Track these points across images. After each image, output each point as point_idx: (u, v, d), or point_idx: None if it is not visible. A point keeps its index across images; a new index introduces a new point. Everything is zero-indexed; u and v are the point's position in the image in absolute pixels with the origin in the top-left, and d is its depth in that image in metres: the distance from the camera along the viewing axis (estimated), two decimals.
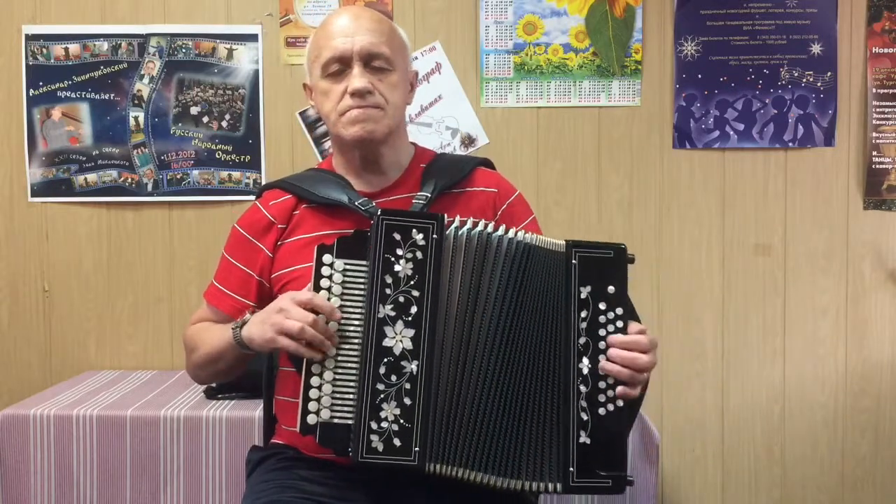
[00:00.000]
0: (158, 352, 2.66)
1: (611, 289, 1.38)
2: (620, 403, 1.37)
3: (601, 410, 1.36)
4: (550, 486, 1.35)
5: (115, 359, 2.66)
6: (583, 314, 1.37)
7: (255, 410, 2.12)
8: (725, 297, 2.67)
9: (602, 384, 1.37)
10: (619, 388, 1.36)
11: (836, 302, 2.67)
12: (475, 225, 1.39)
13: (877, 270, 2.67)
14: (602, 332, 1.37)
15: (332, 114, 1.52)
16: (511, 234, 1.39)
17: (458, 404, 1.35)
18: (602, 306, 1.38)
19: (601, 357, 1.37)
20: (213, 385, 2.25)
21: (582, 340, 1.37)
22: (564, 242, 1.40)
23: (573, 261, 1.38)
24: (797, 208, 2.67)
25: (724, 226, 2.67)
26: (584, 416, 1.36)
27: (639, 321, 1.42)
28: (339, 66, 1.50)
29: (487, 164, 1.68)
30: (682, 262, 2.67)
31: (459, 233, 1.38)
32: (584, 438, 1.35)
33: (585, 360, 1.37)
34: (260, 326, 1.39)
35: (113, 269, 2.65)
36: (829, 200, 2.66)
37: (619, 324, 1.38)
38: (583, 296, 1.38)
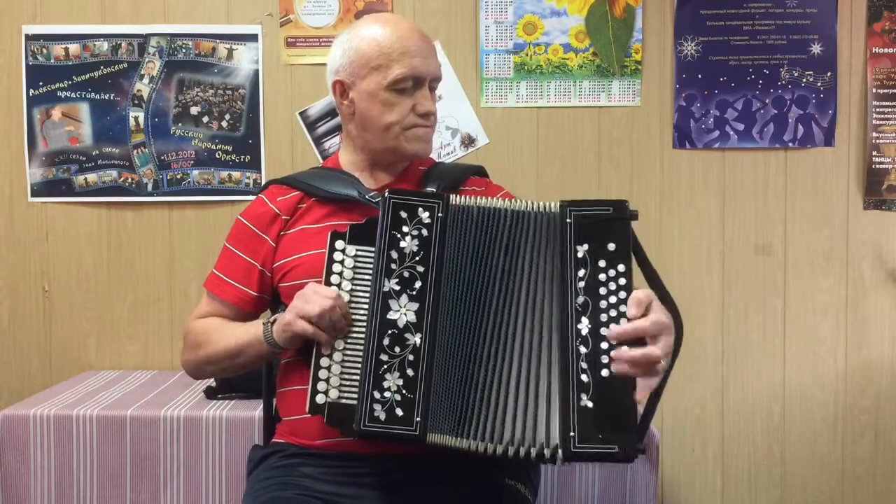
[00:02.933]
0: (158, 352, 2.66)
1: (611, 246, 1.35)
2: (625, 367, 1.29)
3: (604, 372, 1.30)
4: (548, 452, 1.30)
5: (115, 359, 2.66)
6: (580, 273, 1.34)
7: (255, 410, 2.13)
8: (725, 297, 2.67)
9: (604, 345, 1.31)
10: (621, 361, 1.29)
11: (836, 302, 2.67)
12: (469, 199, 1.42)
13: (877, 270, 2.67)
14: (603, 291, 1.34)
15: (395, 127, 1.56)
16: (497, 203, 1.40)
17: (458, 377, 1.36)
18: (602, 263, 1.34)
19: (603, 315, 1.32)
20: (214, 385, 2.25)
21: (580, 300, 1.33)
22: (559, 203, 1.39)
23: (567, 219, 1.36)
24: (797, 208, 2.67)
25: (724, 226, 2.67)
26: (585, 379, 1.30)
27: (658, 278, 1.38)
28: (412, 84, 1.55)
29: (481, 172, 1.74)
30: (682, 262, 2.67)
31: (465, 212, 1.40)
32: (585, 401, 1.30)
33: (585, 321, 1.33)
34: (283, 317, 1.43)
35: (113, 269, 2.65)
36: (829, 200, 2.66)
37: (622, 281, 1.33)
38: (580, 254, 1.35)
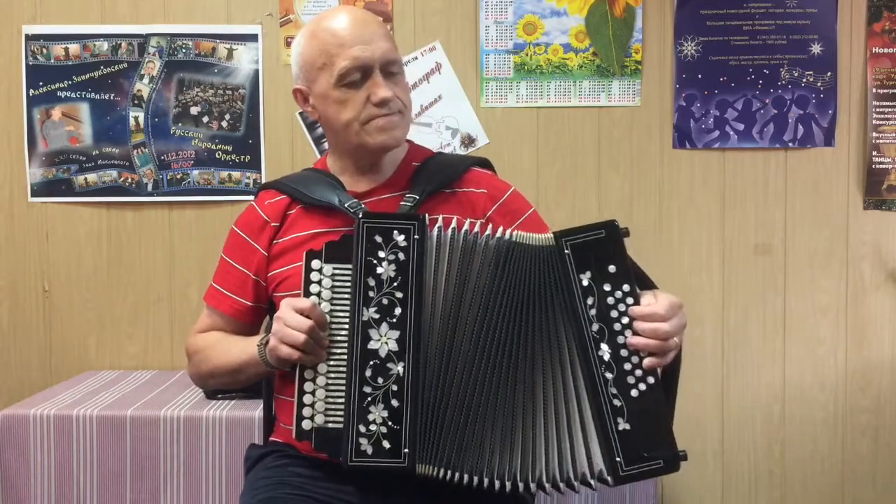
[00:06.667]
0: (158, 352, 2.66)
1: (611, 268, 1.35)
2: (652, 380, 1.32)
3: (633, 392, 1.32)
4: (594, 481, 1.32)
5: (115, 359, 2.66)
6: (589, 301, 1.34)
7: (255, 410, 2.13)
8: (725, 297, 2.67)
9: (628, 365, 1.33)
10: (647, 360, 1.32)
11: (836, 302, 2.67)
12: (460, 226, 1.38)
13: (877, 270, 2.67)
14: (614, 314, 1.34)
15: (354, 123, 1.50)
16: (494, 233, 1.38)
17: (448, 405, 1.34)
18: (607, 287, 1.35)
19: (620, 338, 1.33)
20: None
21: (595, 327, 1.34)
22: (552, 235, 1.37)
23: (566, 251, 1.35)
24: (797, 208, 2.67)
25: (724, 226, 2.67)
26: (618, 403, 1.32)
27: (654, 286, 1.40)
28: (359, 76, 1.49)
29: (484, 163, 1.67)
30: (682, 262, 2.67)
31: (443, 234, 1.37)
32: (623, 425, 1.31)
33: (605, 346, 1.33)
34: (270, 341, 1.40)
35: (113, 269, 2.65)
36: (829, 200, 2.66)
37: (630, 300, 1.34)
38: (584, 283, 1.34)
